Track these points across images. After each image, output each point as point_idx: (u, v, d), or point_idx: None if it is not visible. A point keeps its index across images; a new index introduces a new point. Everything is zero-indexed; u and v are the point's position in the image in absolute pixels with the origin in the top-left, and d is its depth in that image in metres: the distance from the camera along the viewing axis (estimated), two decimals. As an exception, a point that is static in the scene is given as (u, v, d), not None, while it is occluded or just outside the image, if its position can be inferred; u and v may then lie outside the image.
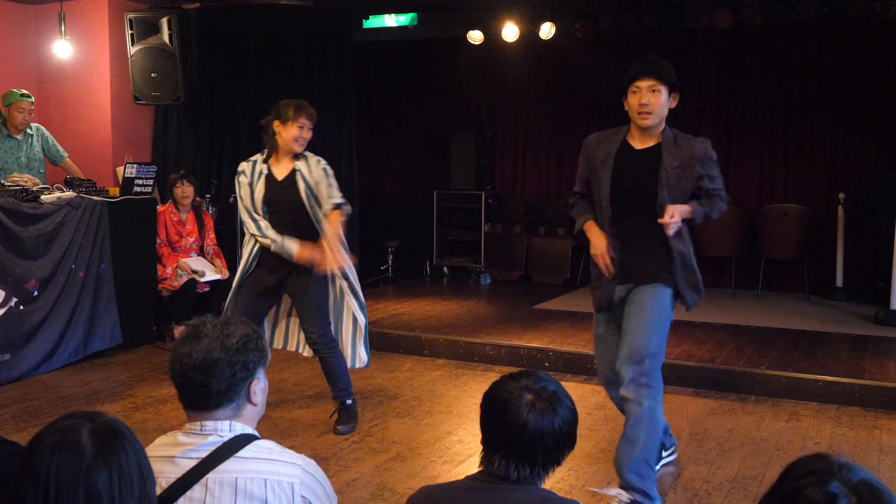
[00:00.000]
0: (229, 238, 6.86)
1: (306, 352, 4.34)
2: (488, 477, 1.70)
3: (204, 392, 1.69)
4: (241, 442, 1.69)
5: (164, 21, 6.45)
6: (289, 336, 4.44)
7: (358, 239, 8.00)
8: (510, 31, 7.60)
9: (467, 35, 7.96)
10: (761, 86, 8.07)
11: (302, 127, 3.93)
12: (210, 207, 6.86)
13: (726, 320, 6.41)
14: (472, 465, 3.13)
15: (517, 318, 6.56)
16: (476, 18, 7.92)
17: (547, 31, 7.61)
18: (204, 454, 1.66)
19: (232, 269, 6.59)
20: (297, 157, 4.02)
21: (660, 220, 3.19)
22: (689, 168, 3.25)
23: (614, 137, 3.39)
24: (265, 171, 4.01)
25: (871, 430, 4.27)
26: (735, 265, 7.90)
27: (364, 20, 7.96)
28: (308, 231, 4.00)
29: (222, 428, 1.70)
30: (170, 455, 1.67)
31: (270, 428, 4.12)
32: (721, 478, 3.60)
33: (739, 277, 7.94)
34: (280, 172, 4.01)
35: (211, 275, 6.22)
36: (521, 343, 5.61)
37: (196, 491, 1.63)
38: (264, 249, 4.00)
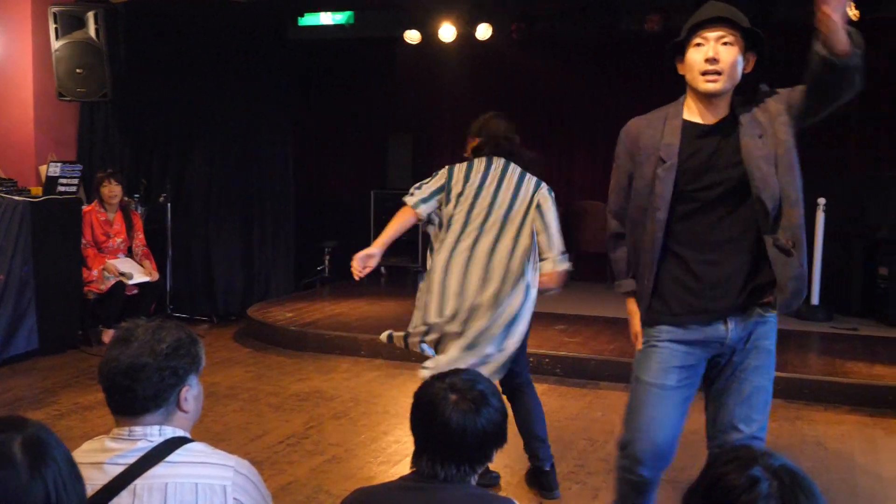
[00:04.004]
0: (159, 239, 6.69)
1: None
2: (419, 477, 1.71)
3: (130, 397, 1.64)
4: (171, 446, 1.64)
5: (90, 15, 6.23)
6: None
7: (294, 239, 7.92)
8: (447, 32, 7.62)
9: (404, 35, 7.95)
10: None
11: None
12: (139, 207, 6.69)
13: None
14: (408, 466, 3.11)
15: (454, 317, 6.57)
16: (413, 18, 7.91)
17: (483, 32, 7.66)
18: (132, 460, 1.61)
19: (160, 270, 6.44)
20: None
21: None
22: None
23: (671, 119, 2.44)
24: None
25: (793, 422, 4.43)
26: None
27: (299, 17, 7.86)
28: None
29: (151, 433, 1.65)
30: (97, 461, 1.62)
31: (203, 432, 4.03)
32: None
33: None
34: None
35: (139, 277, 6.07)
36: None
37: (124, 498, 1.58)
38: None
